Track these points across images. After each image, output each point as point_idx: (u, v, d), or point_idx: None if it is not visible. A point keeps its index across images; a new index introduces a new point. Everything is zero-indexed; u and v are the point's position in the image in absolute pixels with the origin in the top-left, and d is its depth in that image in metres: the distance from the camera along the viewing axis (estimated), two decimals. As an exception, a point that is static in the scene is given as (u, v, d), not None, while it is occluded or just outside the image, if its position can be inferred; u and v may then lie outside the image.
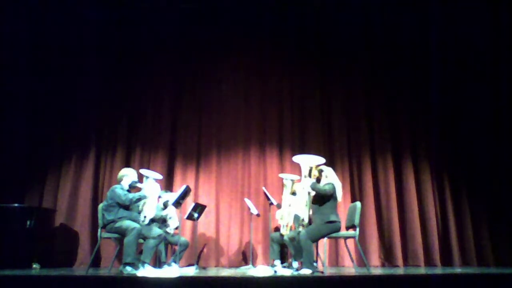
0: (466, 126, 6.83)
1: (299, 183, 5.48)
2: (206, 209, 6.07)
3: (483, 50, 6.97)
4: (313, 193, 4.52)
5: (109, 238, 5.02)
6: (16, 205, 5.79)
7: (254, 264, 6.04)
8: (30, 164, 6.58)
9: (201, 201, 6.39)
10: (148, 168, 6.13)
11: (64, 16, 6.96)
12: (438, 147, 6.82)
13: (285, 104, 7.00)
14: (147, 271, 4.31)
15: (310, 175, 4.50)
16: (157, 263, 5.42)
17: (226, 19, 7.16)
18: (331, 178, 4.60)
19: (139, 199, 4.78)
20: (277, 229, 5.85)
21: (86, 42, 6.98)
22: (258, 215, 6.10)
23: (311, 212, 4.62)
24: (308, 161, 4.53)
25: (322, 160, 4.57)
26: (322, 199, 4.49)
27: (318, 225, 4.46)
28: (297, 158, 4.61)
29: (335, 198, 4.53)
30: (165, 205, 5.43)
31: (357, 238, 4.69)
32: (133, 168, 5.38)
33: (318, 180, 4.60)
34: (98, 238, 4.84)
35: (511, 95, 6.72)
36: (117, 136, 6.81)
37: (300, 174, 4.65)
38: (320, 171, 4.64)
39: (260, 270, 5.21)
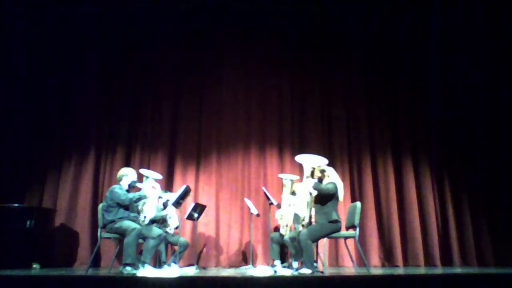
0: (466, 126, 6.84)
1: (298, 183, 5.49)
2: (206, 209, 6.07)
3: (484, 50, 6.97)
4: (314, 193, 4.51)
5: (109, 238, 5.03)
6: (16, 205, 5.79)
7: (254, 264, 6.04)
8: (30, 164, 6.57)
9: (201, 201, 6.39)
10: (148, 168, 6.12)
11: (63, 14, 6.95)
12: (438, 147, 6.82)
13: (285, 104, 7.00)
14: (147, 271, 4.31)
15: (312, 176, 4.49)
16: (157, 263, 5.41)
17: (226, 18, 7.16)
18: (333, 178, 4.59)
19: (139, 199, 4.77)
20: (277, 229, 5.85)
21: (86, 42, 6.97)
22: (258, 215, 6.10)
23: (313, 212, 4.61)
24: (311, 161, 4.51)
25: (325, 161, 4.55)
26: (324, 198, 4.48)
27: (319, 225, 4.45)
28: (300, 158, 4.58)
29: (337, 198, 4.53)
30: (165, 205, 5.43)
31: (357, 238, 4.68)
32: (133, 168, 5.37)
33: (320, 180, 4.58)
34: (98, 238, 4.84)
35: (511, 95, 6.73)
36: (117, 136, 6.81)
37: (300, 174, 4.63)
38: (322, 171, 4.62)
39: (260, 270, 5.21)
